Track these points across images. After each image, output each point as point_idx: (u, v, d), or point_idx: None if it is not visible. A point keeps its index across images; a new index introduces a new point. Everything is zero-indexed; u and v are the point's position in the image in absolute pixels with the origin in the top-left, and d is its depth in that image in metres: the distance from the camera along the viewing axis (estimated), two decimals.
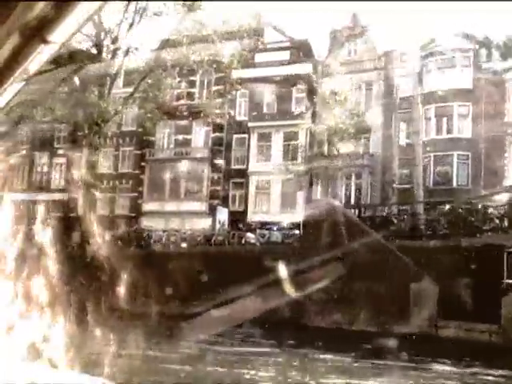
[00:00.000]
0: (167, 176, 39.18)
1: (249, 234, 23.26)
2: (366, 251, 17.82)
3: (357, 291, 18.29)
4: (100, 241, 25.11)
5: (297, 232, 24.13)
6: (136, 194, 40.15)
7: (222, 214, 28.36)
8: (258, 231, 23.65)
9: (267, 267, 18.23)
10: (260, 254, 19.88)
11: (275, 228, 25.44)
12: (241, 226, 28.07)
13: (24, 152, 44.31)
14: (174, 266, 19.94)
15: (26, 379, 3.27)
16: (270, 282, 17.54)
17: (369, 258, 17.86)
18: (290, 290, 17.74)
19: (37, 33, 2.19)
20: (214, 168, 38.74)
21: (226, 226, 26.17)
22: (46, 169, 43.89)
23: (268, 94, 38.29)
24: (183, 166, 38.90)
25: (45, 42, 2.21)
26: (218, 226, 25.81)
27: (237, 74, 37.17)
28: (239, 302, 18.26)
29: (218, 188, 38.55)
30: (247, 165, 37.80)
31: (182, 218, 36.41)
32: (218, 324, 17.65)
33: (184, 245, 24.11)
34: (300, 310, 19.24)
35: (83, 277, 23.18)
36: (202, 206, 37.95)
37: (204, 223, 34.83)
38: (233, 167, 38.45)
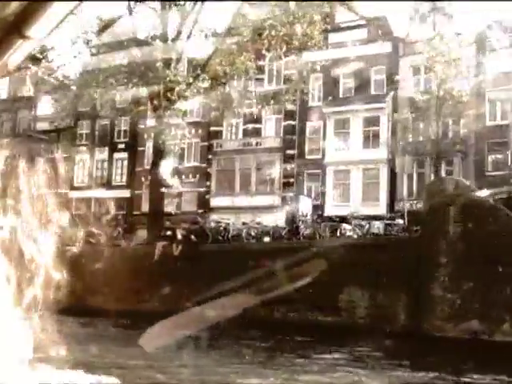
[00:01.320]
0: (236, 168, 36.45)
1: (345, 225, 20.17)
2: None
3: None
4: (170, 238, 22.47)
5: (401, 222, 21.08)
6: (203, 189, 37.55)
7: (305, 205, 25.35)
8: (353, 222, 20.56)
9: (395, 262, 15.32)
10: (369, 247, 16.84)
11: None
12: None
13: (83, 148, 42.40)
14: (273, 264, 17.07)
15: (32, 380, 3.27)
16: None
17: None
18: None
19: (15, 28, 2.32)
20: (287, 159, 35.80)
21: (310, 218, 23.12)
22: (106, 165, 41.74)
23: (344, 77, 35.12)
24: (253, 157, 36.09)
25: (23, 37, 2.35)
26: (301, 218, 22.84)
27: (309, 56, 34.09)
28: None
29: (292, 180, 35.59)
30: (323, 154, 34.70)
31: (253, 212, 33.60)
32: None
33: (267, 239, 21.20)
34: None
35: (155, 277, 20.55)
36: (274, 200, 35.06)
37: (277, 218, 32.00)
38: (307, 157, 35.42)
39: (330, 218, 22.34)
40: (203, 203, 37.12)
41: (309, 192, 34.96)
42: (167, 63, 24.97)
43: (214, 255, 20.29)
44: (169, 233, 22.43)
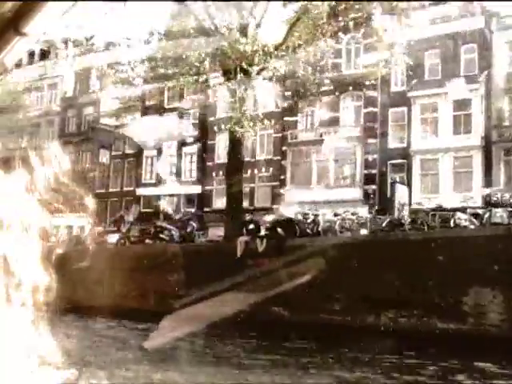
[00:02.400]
0: (313, 160, 33.98)
1: (460, 214, 17.46)
2: None
3: None
4: (253, 232, 20.21)
5: None
6: (277, 183, 35.25)
7: (403, 193, 22.70)
8: (468, 210, 17.84)
9: None
10: (496, 239, 14.07)
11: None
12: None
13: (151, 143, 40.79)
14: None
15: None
16: None
17: None
18: None
19: (12, 25, 2.29)
20: (368, 148, 33.10)
21: (407, 208, 20.47)
22: (174, 160, 39.88)
23: (430, 58, 32.17)
24: (331, 148, 33.54)
25: (20, 34, 2.32)
26: (397, 207, 20.29)
27: (390, 36, 31.29)
28: None
29: (374, 171, 32.89)
30: (409, 142, 31.86)
31: (332, 207, 31.11)
32: None
33: (364, 231, 18.68)
34: None
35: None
36: (355, 193, 32.44)
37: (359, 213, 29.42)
38: (391, 146, 32.64)
39: (440, 208, 19.66)
40: (277, 198, 34.81)
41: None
42: (244, 30, 22.35)
43: (304, 250, 17.90)
44: (252, 226, 20.20)
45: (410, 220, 17.58)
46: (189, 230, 25.98)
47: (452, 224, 17.21)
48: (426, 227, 17.26)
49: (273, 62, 22.24)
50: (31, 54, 47.57)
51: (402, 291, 14.92)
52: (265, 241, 18.94)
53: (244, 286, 18.18)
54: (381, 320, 15.41)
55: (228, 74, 22.31)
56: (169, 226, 25.84)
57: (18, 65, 45.76)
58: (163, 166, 40.12)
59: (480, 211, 18.14)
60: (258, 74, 22.60)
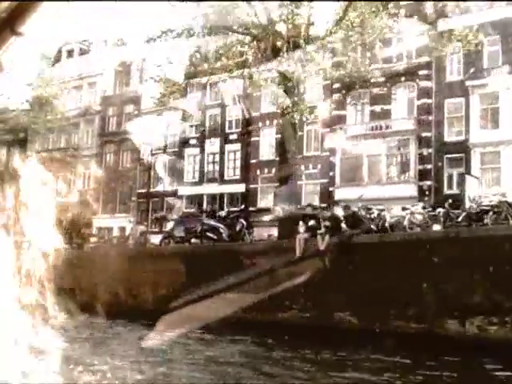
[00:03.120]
0: (364, 156, 32.28)
1: None
2: None
3: None
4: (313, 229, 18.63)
5: None
6: (326, 180, 33.65)
7: (474, 186, 20.95)
8: None
9: None
10: None
11: None
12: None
13: (193, 141, 39.64)
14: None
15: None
16: None
17: None
18: None
19: (7, 25, 2.31)
20: (423, 142, 31.31)
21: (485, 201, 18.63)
22: (217, 158, 38.54)
23: (489, 44, 30.21)
24: (383, 142, 31.83)
25: (16, 33, 2.34)
26: (467, 201, 18.59)
27: (446, 24, 29.44)
28: None
29: (429, 166, 31.08)
30: (467, 135, 29.97)
31: (385, 205, 29.37)
32: None
33: (437, 227, 17.00)
34: None
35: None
36: (410, 190, 30.63)
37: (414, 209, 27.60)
38: (447, 140, 30.78)
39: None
40: (326, 196, 33.22)
41: (449, 180, 30.49)
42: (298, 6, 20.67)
43: (375, 248, 16.31)
44: (312, 222, 18.65)
45: (492, 213, 15.86)
46: (238, 228, 24.58)
47: None
48: (511, 221, 15.55)
49: (329, 38, 20.62)
50: (70, 52, 46.89)
51: (490, 294, 13.21)
52: (327, 237, 17.38)
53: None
54: (466, 328, 13.71)
55: (279, 52, 20.62)
56: (217, 224, 24.48)
57: (56, 62, 45.11)
58: (206, 163, 38.89)
59: None
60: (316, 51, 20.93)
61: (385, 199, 29.42)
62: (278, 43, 20.51)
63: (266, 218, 30.04)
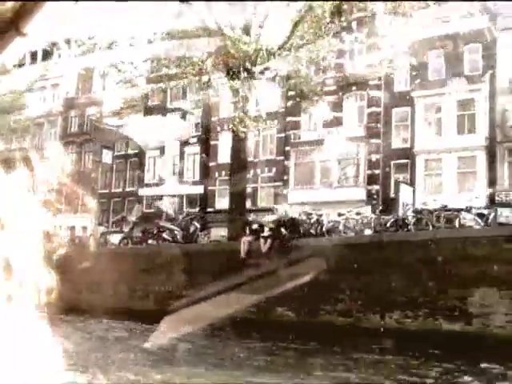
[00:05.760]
0: (316, 161, 33.88)
1: (465, 214, 17.37)
2: None
3: None
4: (257, 232, 20.11)
5: None
6: (280, 183, 35.17)
7: (407, 193, 22.60)
8: (473, 211, 17.74)
9: None
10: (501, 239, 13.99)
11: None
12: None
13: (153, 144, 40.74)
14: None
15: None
16: None
17: None
18: None
19: (12, 25, 2.26)
20: (372, 149, 33.02)
21: (411, 209, 20.35)
22: (177, 160, 39.79)
23: (433, 58, 32.07)
24: (334, 148, 33.42)
25: (21, 34, 2.29)
26: (401, 208, 20.20)
27: (393, 36, 31.15)
28: None
29: (377, 172, 32.81)
30: (412, 142, 31.77)
31: (335, 208, 30.99)
32: None
33: (368, 231, 18.59)
34: None
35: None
36: (359, 194, 32.31)
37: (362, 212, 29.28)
38: (394, 146, 32.56)
39: (444, 208, 19.49)
40: (280, 198, 34.73)
41: (396, 185, 32.18)
42: (247, 29, 22.29)
43: (309, 250, 17.83)
44: (255, 226, 20.12)
45: (414, 220, 17.48)
46: (192, 230, 25.91)
47: (457, 224, 17.14)
48: (430, 227, 17.17)
49: (276, 61, 22.16)
50: (33, 54, 47.55)
51: (406, 292, 14.82)
52: (269, 241, 18.86)
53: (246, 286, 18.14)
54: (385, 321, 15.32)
55: (231, 74, 22.21)
56: (172, 227, 25.77)
57: (21, 65, 45.75)
58: (166, 166, 40.07)
59: (485, 211, 18.07)
60: (261, 73, 22.51)
61: (336, 202, 31.16)
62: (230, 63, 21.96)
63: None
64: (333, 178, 33.50)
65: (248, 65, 21.26)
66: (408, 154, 31.72)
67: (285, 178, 35.12)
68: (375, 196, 32.33)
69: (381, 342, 14.43)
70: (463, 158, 30.28)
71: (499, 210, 17.36)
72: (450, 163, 30.40)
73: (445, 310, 14.30)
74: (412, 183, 30.37)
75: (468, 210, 17.84)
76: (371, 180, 32.69)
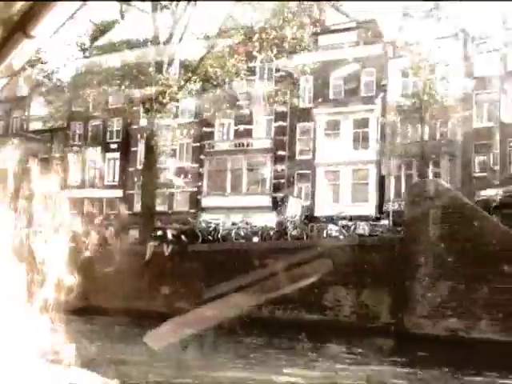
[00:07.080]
0: (228, 169, 36.83)
1: (331, 226, 20.56)
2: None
3: None
4: (161, 238, 22.85)
5: (385, 223, 21.52)
6: (195, 189, 37.92)
7: (295, 206, 25.70)
8: (340, 222, 20.94)
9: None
10: (355, 248, 17.31)
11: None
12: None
13: (76, 148, 42.70)
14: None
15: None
16: None
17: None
18: None
19: (20, 27, 2.28)
20: (278, 160, 36.20)
21: (299, 219, 23.46)
22: (98, 165, 41.94)
23: (334, 79, 35.53)
24: (244, 158, 36.47)
25: (28, 36, 2.30)
26: (290, 218, 23.20)
27: (300, 58, 34.40)
28: None
29: (282, 181, 36.01)
30: (314, 155, 35.12)
31: (244, 213, 33.93)
32: None
33: (256, 239, 21.57)
34: None
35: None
36: (265, 200, 35.43)
37: (268, 218, 32.31)
38: (298, 158, 35.83)
39: (318, 219, 22.63)
40: (195, 203, 37.49)
41: (299, 192, 35.38)
42: (159, 67, 25.43)
43: (205, 255, 20.71)
44: (160, 233, 22.83)
45: (292, 230, 20.53)
46: (107, 234, 28.29)
47: (325, 234, 20.28)
48: (305, 237, 20.26)
49: (183, 93, 25.16)
50: None
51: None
52: (170, 246, 21.66)
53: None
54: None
55: (145, 105, 25.23)
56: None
57: None
58: (88, 169, 42.10)
59: (349, 223, 21.25)
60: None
61: (244, 208, 34.22)
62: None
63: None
64: (242, 186, 36.46)
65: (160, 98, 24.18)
66: (310, 165, 34.97)
67: (199, 184, 37.84)
68: (280, 203, 35.44)
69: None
70: (357, 171, 33.77)
71: (358, 223, 20.69)
72: (346, 175, 33.86)
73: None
74: (313, 193, 33.83)
75: (335, 222, 21.07)
76: (277, 188, 35.78)
